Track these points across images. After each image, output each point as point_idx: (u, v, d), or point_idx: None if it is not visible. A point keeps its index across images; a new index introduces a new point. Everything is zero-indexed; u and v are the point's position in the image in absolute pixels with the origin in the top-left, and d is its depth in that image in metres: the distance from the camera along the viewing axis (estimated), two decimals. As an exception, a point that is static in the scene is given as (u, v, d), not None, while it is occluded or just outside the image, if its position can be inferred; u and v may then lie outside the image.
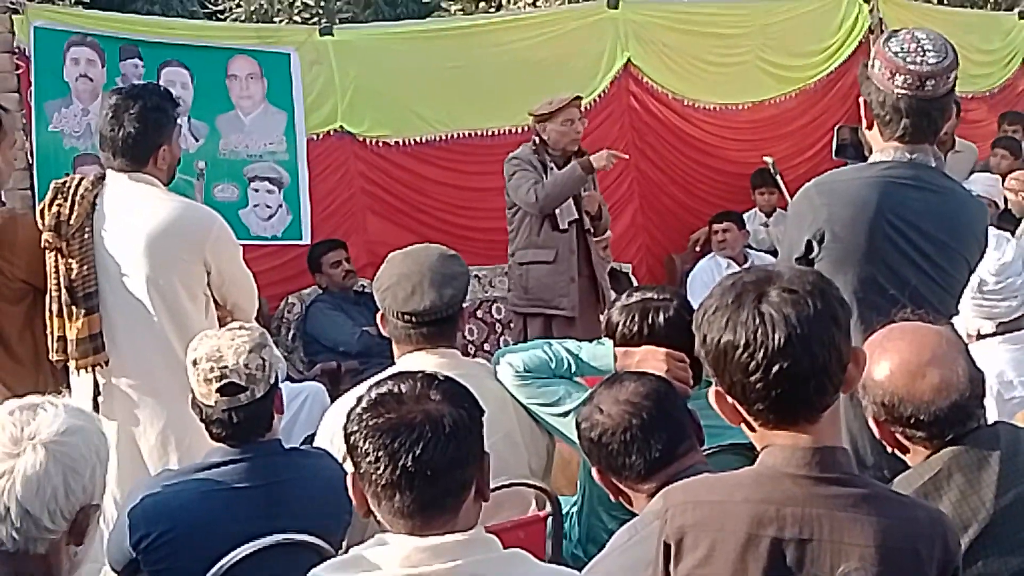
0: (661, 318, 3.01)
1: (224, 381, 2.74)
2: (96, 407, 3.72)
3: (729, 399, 1.84)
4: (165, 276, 3.70)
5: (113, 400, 3.75)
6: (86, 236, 3.70)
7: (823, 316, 1.77)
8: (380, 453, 1.86)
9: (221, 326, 3.76)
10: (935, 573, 1.80)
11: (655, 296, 3.08)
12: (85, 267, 3.69)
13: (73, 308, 3.69)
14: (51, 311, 3.73)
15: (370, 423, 1.89)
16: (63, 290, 3.69)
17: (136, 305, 3.70)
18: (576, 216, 5.84)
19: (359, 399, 1.97)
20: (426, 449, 1.85)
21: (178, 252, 3.72)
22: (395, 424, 1.88)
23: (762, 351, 1.75)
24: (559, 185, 5.71)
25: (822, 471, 1.79)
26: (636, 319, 3.03)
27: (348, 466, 2.64)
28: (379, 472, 1.86)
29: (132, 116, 3.70)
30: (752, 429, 1.86)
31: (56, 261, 3.71)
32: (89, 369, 3.72)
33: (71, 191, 3.73)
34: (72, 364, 3.73)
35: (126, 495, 2.96)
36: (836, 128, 3.38)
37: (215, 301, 3.85)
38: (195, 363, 2.79)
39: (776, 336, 1.74)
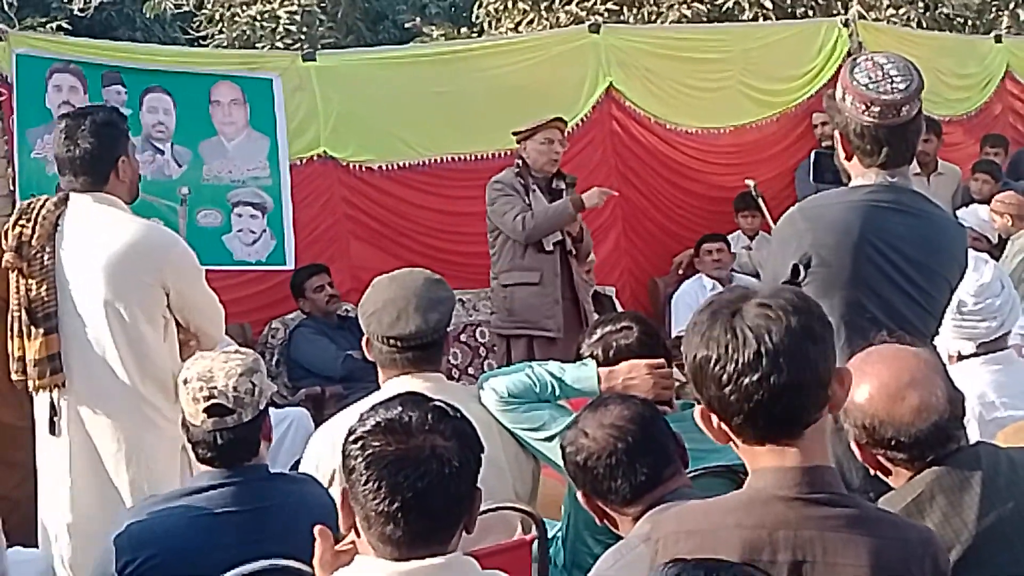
0: (623, 345, 3.09)
1: (212, 402, 2.74)
2: (52, 428, 3.72)
3: (713, 417, 1.84)
4: (123, 298, 3.69)
5: (70, 421, 3.74)
6: (46, 257, 3.71)
7: (796, 332, 1.76)
8: (382, 483, 1.84)
9: (183, 350, 3.79)
10: None
11: (613, 328, 3.15)
12: (45, 288, 3.70)
13: (32, 328, 3.70)
14: (12, 331, 3.75)
15: (376, 450, 1.87)
16: (24, 311, 3.70)
17: (92, 327, 3.71)
18: (560, 238, 5.88)
19: (362, 418, 1.94)
20: (430, 487, 1.84)
21: (136, 274, 3.71)
22: (401, 456, 1.86)
23: (732, 364, 1.76)
24: (549, 219, 5.77)
25: (812, 492, 1.79)
26: (600, 353, 3.10)
27: (335, 490, 2.64)
28: (376, 501, 1.85)
29: (85, 133, 3.72)
30: (737, 446, 1.87)
31: (18, 282, 3.73)
32: (47, 390, 3.72)
33: (34, 212, 3.74)
34: (31, 384, 3.73)
35: (113, 521, 2.95)
36: (814, 152, 3.40)
37: (178, 324, 3.84)
38: (186, 382, 2.79)
39: (746, 350, 1.75)
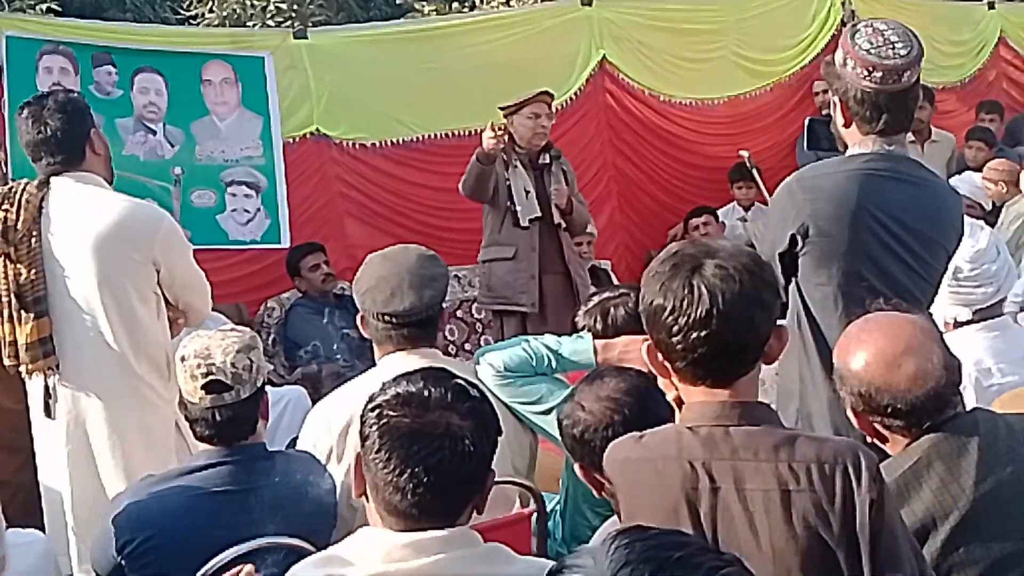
0: (621, 312, 3.08)
1: (210, 378, 2.74)
2: (47, 410, 3.72)
3: (658, 355, 1.99)
4: (115, 277, 3.68)
5: (64, 403, 3.74)
6: (33, 241, 3.69)
7: (746, 297, 1.90)
8: (393, 454, 1.86)
9: (172, 326, 3.78)
10: (843, 506, 1.83)
11: (611, 295, 3.17)
12: (33, 271, 3.68)
13: (22, 312, 3.69)
14: (2, 316, 3.74)
15: (391, 419, 1.89)
16: (12, 295, 3.70)
17: (85, 308, 3.70)
18: (539, 214, 5.85)
19: (384, 387, 1.96)
20: (441, 463, 1.86)
21: (127, 252, 3.70)
22: (415, 429, 1.87)
23: (684, 318, 1.90)
24: (470, 172, 5.75)
25: (737, 422, 1.92)
26: (599, 319, 3.10)
27: (332, 467, 2.64)
28: (386, 470, 1.87)
29: (51, 111, 3.71)
30: (675, 383, 2.01)
31: (5, 266, 3.72)
32: (40, 373, 3.72)
33: (17, 196, 3.72)
34: (23, 368, 3.73)
35: (111, 501, 2.95)
36: (807, 120, 3.41)
37: (166, 301, 3.83)
38: (183, 359, 2.79)
39: (699, 308, 1.89)
